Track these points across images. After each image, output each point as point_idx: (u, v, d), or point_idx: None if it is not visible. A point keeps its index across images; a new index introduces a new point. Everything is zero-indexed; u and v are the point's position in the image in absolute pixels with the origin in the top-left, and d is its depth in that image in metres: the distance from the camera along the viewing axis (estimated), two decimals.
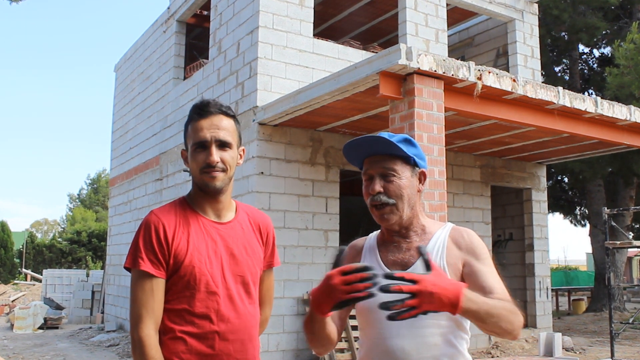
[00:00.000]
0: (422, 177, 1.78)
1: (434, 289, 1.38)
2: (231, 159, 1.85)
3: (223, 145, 1.83)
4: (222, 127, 1.83)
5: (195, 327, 1.77)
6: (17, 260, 28.60)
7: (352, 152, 1.78)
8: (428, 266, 1.45)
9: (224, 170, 1.83)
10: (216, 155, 1.81)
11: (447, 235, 1.75)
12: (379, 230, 1.88)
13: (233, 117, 1.90)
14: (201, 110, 1.85)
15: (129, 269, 1.80)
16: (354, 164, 1.82)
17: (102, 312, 14.11)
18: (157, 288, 1.77)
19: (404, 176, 1.72)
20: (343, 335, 7.50)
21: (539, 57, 10.99)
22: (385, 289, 1.37)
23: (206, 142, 1.81)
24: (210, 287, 1.79)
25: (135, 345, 1.74)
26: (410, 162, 1.74)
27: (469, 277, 1.67)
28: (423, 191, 1.81)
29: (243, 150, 1.95)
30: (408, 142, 1.75)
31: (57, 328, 13.72)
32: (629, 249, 16.65)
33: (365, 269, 1.45)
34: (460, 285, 1.45)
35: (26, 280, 26.45)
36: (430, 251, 1.70)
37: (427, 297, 1.38)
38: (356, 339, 7.41)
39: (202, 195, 1.87)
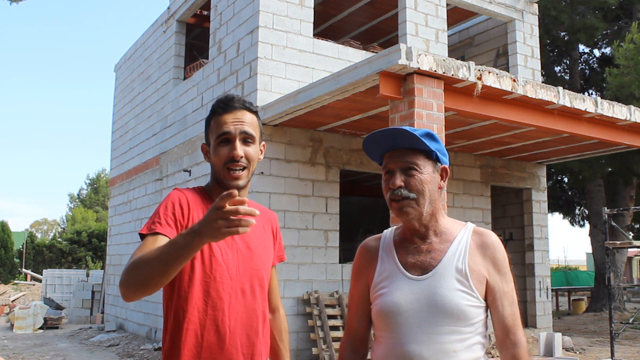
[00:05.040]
0: (443, 174, 1.73)
1: None
2: (254, 154, 1.86)
3: (247, 139, 1.84)
4: (246, 121, 1.85)
5: (208, 318, 1.75)
6: (17, 260, 28.57)
7: (373, 146, 1.73)
8: None
9: (247, 167, 1.84)
10: (240, 149, 1.81)
11: (469, 238, 1.71)
12: (394, 228, 1.83)
13: (255, 112, 1.92)
14: (225, 104, 1.86)
15: (144, 235, 1.70)
16: (373, 158, 1.78)
17: (102, 312, 14.11)
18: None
19: (426, 171, 1.67)
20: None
21: (539, 57, 10.99)
22: None
23: (230, 134, 1.82)
24: (225, 279, 1.77)
25: (128, 266, 1.54)
26: (432, 157, 1.70)
27: (491, 293, 1.69)
28: (444, 188, 1.76)
29: (264, 145, 1.97)
30: (430, 136, 1.71)
31: (57, 328, 13.71)
32: (629, 249, 16.62)
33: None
34: None
35: (26, 280, 26.43)
36: (453, 255, 1.67)
37: None
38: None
39: (221, 190, 1.85)
